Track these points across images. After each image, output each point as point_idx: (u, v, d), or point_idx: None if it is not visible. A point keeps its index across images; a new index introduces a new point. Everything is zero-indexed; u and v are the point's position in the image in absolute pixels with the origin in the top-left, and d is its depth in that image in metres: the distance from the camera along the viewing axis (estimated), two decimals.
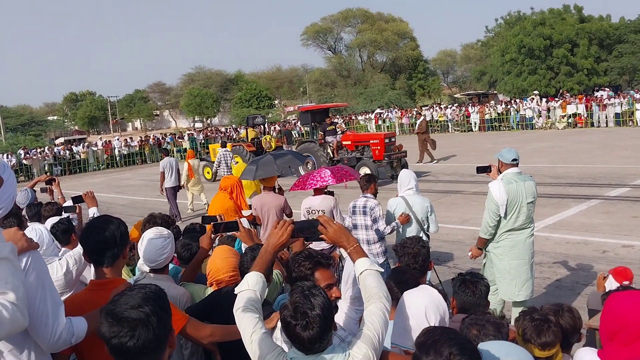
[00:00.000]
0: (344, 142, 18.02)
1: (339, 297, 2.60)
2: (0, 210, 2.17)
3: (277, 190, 7.53)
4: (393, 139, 17.59)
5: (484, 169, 5.89)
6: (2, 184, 2.04)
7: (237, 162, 19.35)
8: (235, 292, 2.30)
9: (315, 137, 18.96)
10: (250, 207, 7.39)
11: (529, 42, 43.35)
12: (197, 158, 15.01)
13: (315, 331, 2.02)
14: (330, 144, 18.04)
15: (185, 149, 30.18)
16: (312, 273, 2.54)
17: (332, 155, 17.83)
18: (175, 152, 31.70)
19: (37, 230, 3.78)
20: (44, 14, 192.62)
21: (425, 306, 2.48)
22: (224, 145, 19.00)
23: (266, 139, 20.76)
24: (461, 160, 19.79)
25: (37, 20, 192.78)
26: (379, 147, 16.85)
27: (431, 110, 37.52)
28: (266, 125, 22.43)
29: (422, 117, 22.49)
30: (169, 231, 3.37)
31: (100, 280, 2.55)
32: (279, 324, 2.35)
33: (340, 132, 18.92)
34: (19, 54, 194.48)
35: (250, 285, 2.28)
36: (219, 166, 15.94)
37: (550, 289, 6.93)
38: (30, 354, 2.08)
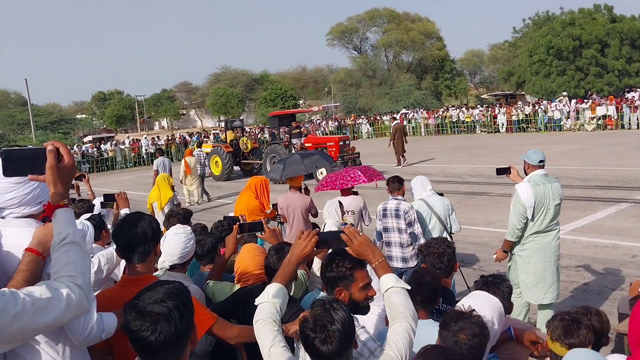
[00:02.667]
0: (306, 144, 19.95)
1: (374, 295, 2.52)
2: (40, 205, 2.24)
3: (302, 190, 7.53)
4: (347, 142, 20.15)
5: (503, 171, 5.83)
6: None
7: (217, 161, 21.40)
8: (255, 303, 2.27)
9: (281, 139, 20.71)
10: (274, 206, 7.43)
11: (557, 42, 42.67)
12: (193, 156, 16.26)
13: (334, 346, 1.96)
14: (295, 146, 19.84)
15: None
16: (352, 273, 2.43)
17: None
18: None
19: (84, 225, 3.83)
20: (73, 14, 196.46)
21: (492, 315, 2.49)
22: (199, 145, 20.76)
23: (243, 141, 22.38)
24: (488, 161, 19.60)
25: (66, 20, 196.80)
26: (334, 149, 19.12)
27: (458, 110, 37.31)
28: (244, 128, 25.28)
29: (395, 122, 23.09)
30: (192, 230, 3.44)
31: (131, 276, 2.61)
32: None
33: (304, 135, 21.02)
34: (49, 53, 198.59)
35: (270, 297, 2.24)
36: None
37: (578, 293, 6.83)
38: (65, 346, 2.13)
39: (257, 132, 36.41)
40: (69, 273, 1.88)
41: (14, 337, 1.69)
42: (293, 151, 19.27)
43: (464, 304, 2.54)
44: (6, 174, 2.00)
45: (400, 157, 21.05)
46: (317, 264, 4.93)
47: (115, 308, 2.35)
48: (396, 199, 6.10)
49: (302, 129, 21.94)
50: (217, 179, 21.66)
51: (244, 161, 22.37)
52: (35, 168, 1.96)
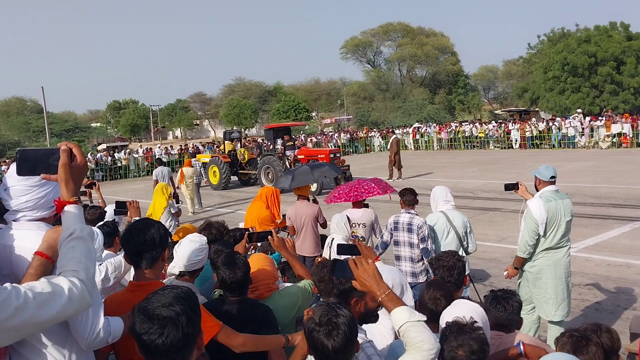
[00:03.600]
0: (298, 156, 20.74)
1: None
2: (52, 209, 2.26)
3: (311, 200, 7.56)
4: (338, 155, 21.06)
5: (511, 187, 5.78)
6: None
7: (215, 171, 22.32)
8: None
9: (275, 151, 21.44)
10: (284, 216, 7.44)
11: (572, 59, 42.50)
12: (192, 167, 16.91)
13: (340, 339, 1.99)
14: (289, 157, 20.62)
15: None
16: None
17: (289, 167, 20.01)
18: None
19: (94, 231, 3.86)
20: (90, 25, 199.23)
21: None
22: (193, 156, 21.44)
23: (240, 152, 23.18)
24: (501, 177, 19.47)
25: (83, 30, 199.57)
26: (325, 161, 19.12)
27: (471, 125, 37.24)
28: (242, 140, 26.28)
29: (393, 136, 23.96)
30: (207, 242, 3.45)
31: (139, 281, 2.63)
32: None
33: (297, 148, 21.94)
34: (65, 62, 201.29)
35: None
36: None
37: (590, 312, 6.75)
38: (72, 350, 2.14)
39: (268, 143, 36.64)
40: (72, 268, 1.91)
41: (17, 330, 1.71)
42: (286, 163, 20.32)
43: (446, 314, 2.52)
44: (20, 173, 2.05)
45: (393, 171, 21.43)
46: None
47: (122, 313, 2.36)
48: (409, 213, 5.96)
49: (296, 142, 23.07)
50: (215, 188, 22.54)
51: (241, 171, 23.26)
52: (49, 168, 2.02)
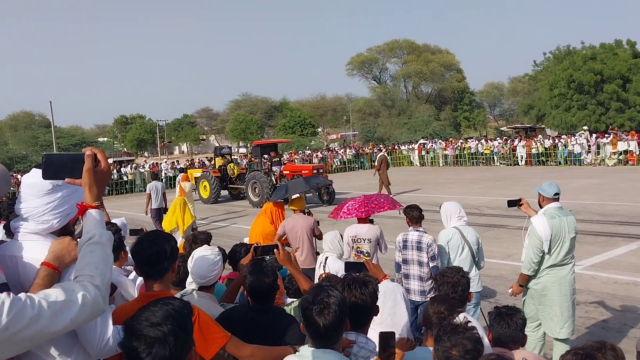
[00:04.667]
0: (284, 172, 21.39)
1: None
2: (58, 221, 2.29)
3: (305, 213, 7.65)
4: (321, 170, 21.71)
5: (514, 203, 5.76)
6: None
7: (205, 185, 22.99)
8: None
9: (261, 167, 22.06)
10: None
11: (578, 77, 42.59)
12: (189, 181, 17.15)
13: (330, 317, 2.14)
14: (275, 173, 21.22)
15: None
16: None
17: (275, 182, 20.63)
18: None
19: None
20: (99, 40, 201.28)
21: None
22: (183, 171, 23.29)
23: (230, 167, 23.82)
24: (506, 194, 19.42)
25: (92, 46, 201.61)
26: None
27: (477, 141, 37.26)
28: (231, 155, 27.02)
29: (380, 153, 23.91)
30: (219, 251, 3.47)
31: (149, 292, 2.65)
32: None
33: (283, 164, 22.53)
34: (73, 77, 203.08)
35: None
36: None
37: (596, 330, 6.70)
38: (79, 359, 2.16)
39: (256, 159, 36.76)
40: (88, 273, 1.95)
41: (31, 340, 1.73)
42: (272, 178, 20.96)
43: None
44: (46, 176, 2.10)
45: (390, 187, 21.38)
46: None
47: None
48: (417, 231, 5.88)
49: (282, 158, 23.95)
50: (205, 202, 23.11)
51: (231, 186, 23.87)
52: (73, 172, 2.08)
